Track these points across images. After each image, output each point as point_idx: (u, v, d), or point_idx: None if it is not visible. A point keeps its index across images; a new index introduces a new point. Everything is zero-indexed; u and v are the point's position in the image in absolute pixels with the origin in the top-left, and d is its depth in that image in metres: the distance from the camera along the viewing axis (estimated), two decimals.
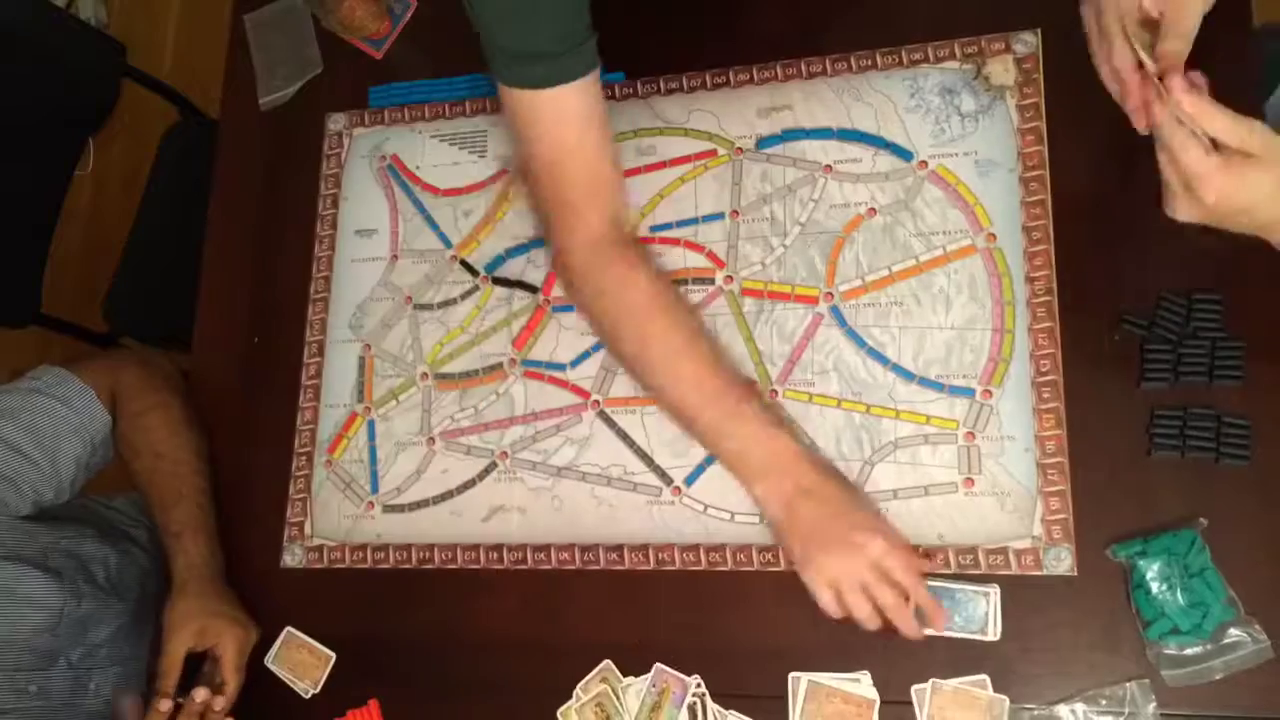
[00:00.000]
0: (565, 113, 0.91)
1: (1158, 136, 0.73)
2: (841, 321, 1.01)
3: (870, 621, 0.88)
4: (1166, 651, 0.86)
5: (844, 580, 0.87)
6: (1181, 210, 0.74)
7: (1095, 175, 0.97)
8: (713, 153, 1.09)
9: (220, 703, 1.02)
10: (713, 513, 1.00)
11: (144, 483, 1.11)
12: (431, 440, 1.11)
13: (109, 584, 1.08)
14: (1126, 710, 0.86)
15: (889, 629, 0.88)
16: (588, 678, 0.99)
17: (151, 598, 1.13)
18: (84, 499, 1.17)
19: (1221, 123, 0.69)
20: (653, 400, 1.01)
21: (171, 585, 1.06)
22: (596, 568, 1.02)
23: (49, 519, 1.06)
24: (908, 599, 0.87)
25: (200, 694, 1.00)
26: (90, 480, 1.13)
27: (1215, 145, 0.70)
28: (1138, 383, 0.92)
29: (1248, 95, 0.94)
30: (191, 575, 1.06)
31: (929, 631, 0.89)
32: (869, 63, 1.06)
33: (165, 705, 0.99)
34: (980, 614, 0.91)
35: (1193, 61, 0.76)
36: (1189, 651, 0.85)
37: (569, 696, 0.99)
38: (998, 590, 0.91)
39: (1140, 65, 0.74)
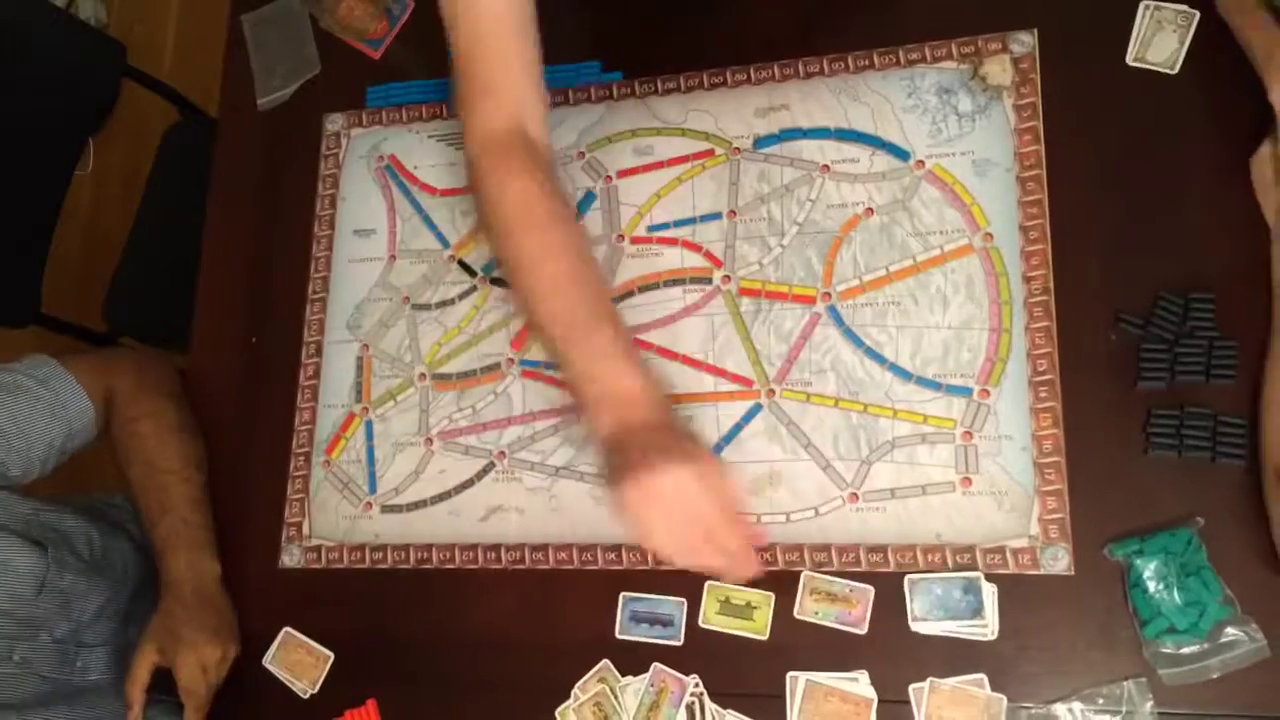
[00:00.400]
0: (484, 4, 0.88)
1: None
2: (839, 321, 1.01)
3: (668, 550, 0.81)
4: (1163, 650, 0.86)
5: (655, 503, 0.80)
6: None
7: (1092, 174, 0.97)
8: (710, 152, 1.09)
9: None
10: None
11: (137, 492, 1.11)
12: (429, 440, 1.11)
13: (93, 560, 1.09)
14: (1124, 709, 0.86)
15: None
16: (586, 677, 0.99)
17: (143, 586, 1.14)
18: (84, 497, 1.18)
19: None
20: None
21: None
22: (594, 567, 1.02)
23: (26, 492, 1.08)
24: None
25: None
26: (87, 480, 1.14)
27: None
28: (1134, 382, 0.92)
29: (1250, 115, 0.94)
30: (168, 592, 1.07)
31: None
32: (866, 63, 1.06)
33: (131, 716, 1.03)
34: (973, 600, 0.91)
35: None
36: (1186, 650, 0.85)
37: (567, 696, 0.99)
38: (982, 577, 0.92)
39: None
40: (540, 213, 0.89)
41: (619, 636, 0.99)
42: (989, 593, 0.91)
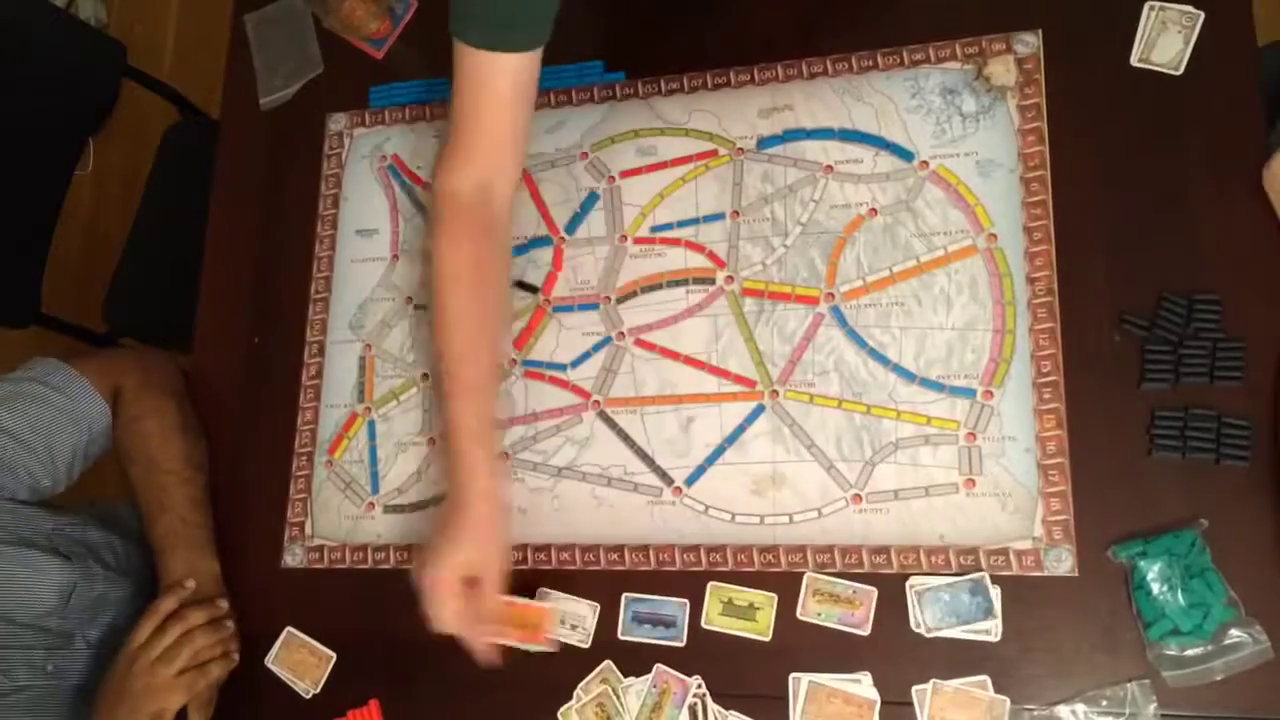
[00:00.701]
0: (489, 79, 0.94)
1: None
2: (842, 322, 1.01)
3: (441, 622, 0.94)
4: (1167, 652, 0.86)
5: (433, 593, 0.94)
6: None
7: (1096, 175, 0.97)
8: (713, 153, 1.09)
9: None
10: (714, 513, 1.00)
11: (138, 490, 1.11)
12: (432, 441, 1.11)
13: (118, 566, 1.10)
14: (1127, 711, 0.86)
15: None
16: (588, 678, 0.99)
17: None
18: (100, 506, 1.18)
19: None
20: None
21: None
22: (597, 568, 1.02)
23: (50, 507, 1.08)
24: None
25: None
26: (98, 481, 1.14)
27: None
28: (1138, 383, 0.92)
29: (1255, 116, 0.94)
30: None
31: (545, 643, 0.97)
32: (870, 63, 1.06)
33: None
34: (983, 600, 0.91)
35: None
36: (1190, 652, 0.85)
37: (570, 697, 0.99)
38: (987, 576, 0.91)
39: None
40: (477, 276, 0.99)
41: (621, 637, 0.99)
42: (996, 591, 0.91)
